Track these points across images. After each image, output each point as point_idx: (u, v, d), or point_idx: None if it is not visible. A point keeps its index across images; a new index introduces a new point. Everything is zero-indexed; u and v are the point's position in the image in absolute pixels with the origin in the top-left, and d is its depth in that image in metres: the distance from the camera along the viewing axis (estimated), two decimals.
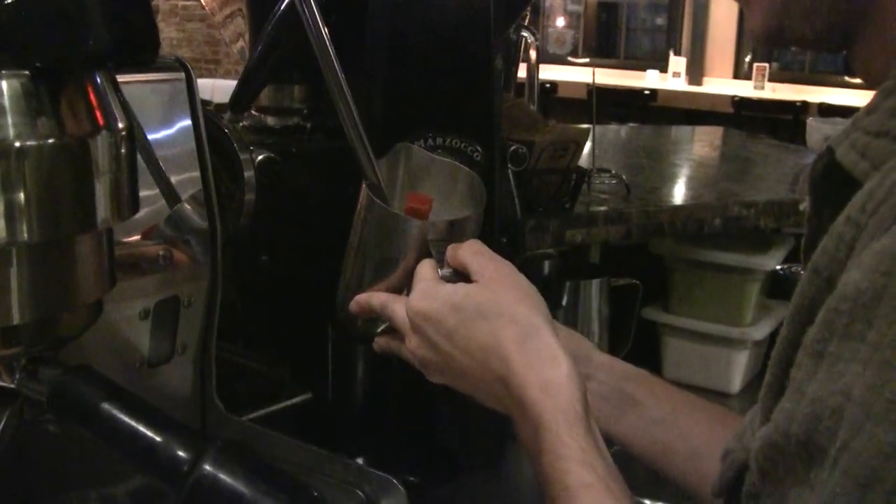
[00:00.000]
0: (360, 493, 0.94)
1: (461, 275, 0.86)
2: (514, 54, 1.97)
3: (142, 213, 0.90)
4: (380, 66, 1.22)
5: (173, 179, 0.96)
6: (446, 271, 0.87)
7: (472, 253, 0.86)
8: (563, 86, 7.49)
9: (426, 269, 0.87)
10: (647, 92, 7.83)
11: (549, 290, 1.87)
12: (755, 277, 1.91)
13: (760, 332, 1.91)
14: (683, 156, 2.81)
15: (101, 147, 0.68)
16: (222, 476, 0.64)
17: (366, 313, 0.93)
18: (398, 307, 0.87)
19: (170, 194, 0.96)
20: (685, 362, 1.98)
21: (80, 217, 0.68)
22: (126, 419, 0.68)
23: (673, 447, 0.94)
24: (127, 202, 0.72)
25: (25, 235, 0.65)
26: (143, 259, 0.91)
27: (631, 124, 4.28)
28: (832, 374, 0.50)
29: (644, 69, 8.59)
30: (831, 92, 7.45)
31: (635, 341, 1.95)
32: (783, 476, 0.54)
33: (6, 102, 0.62)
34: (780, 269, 1.98)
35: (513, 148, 1.44)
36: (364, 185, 0.94)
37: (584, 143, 1.59)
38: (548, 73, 7.63)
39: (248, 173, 1.02)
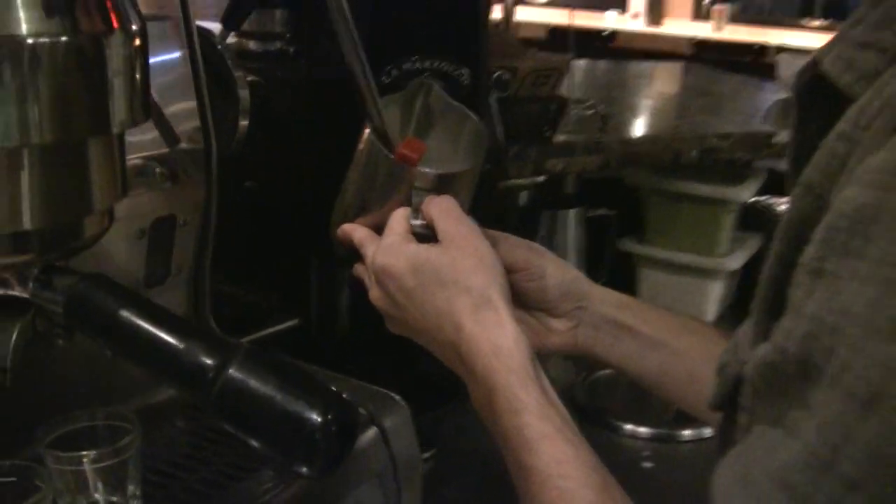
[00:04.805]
0: (363, 410, 0.94)
1: (431, 229, 0.88)
2: None
3: (139, 130, 0.89)
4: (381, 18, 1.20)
5: (169, 110, 0.94)
6: (418, 223, 0.89)
7: (439, 211, 0.87)
8: (523, 27, 7.44)
9: (397, 222, 0.89)
10: (605, 33, 7.80)
11: (526, 220, 1.88)
12: (729, 208, 1.93)
13: (735, 262, 1.93)
14: (654, 89, 2.81)
15: (115, 47, 0.66)
16: (251, 381, 0.63)
17: (347, 243, 0.94)
18: (371, 251, 0.90)
19: (164, 126, 0.94)
20: (660, 292, 1.99)
21: (93, 119, 0.67)
22: (147, 326, 0.67)
23: (669, 370, 0.95)
24: (140, 106, 0.70)
25: (37, 137, 0.64)
26: (140, 176, 0.89)
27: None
28: (831, 291, 0.50)
29: (603, 10, 8.55)
30: (789, 34, 7.47)
31: (611, 272, 1.96)
32: (777, 397, 0.53)
33: None
34: (754, 202, 1.99)
35: (497, 73, 1.43)
36: (367, 123, 0.93)
37: (566, 71, 1.58)
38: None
39: (243, 92, 1.00)
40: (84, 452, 0.79)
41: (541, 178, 1.84)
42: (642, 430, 1.52)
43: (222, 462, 0.86)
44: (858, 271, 0.48)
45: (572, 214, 1.86)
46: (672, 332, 0.96)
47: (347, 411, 0.65)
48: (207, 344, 0.66)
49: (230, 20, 1.11)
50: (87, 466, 0.79)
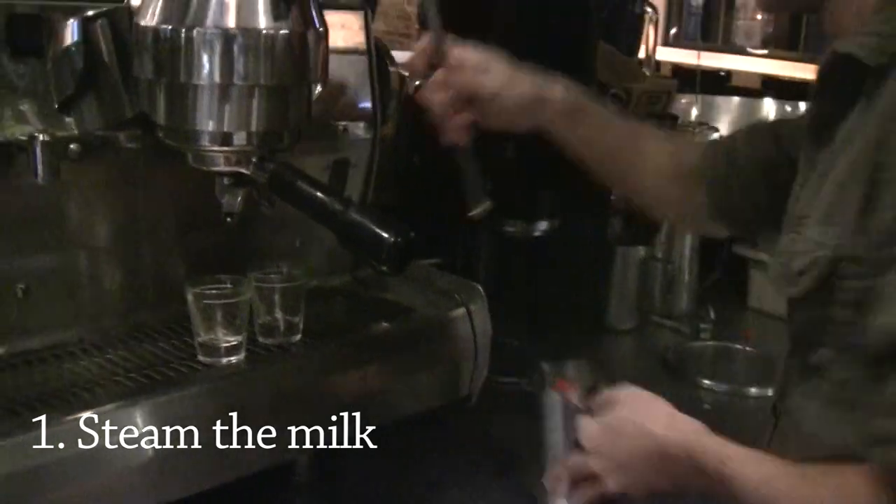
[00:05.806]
0: (456, 296, 1.40)
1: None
2: (638, 25, 2.35)
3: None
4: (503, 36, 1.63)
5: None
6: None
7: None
8: (737, 75, 7.70)
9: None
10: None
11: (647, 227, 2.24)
12: None
13: None
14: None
15: (310, 39, 1.15)
16: (360, 217, 1.11)
17: None
18: None
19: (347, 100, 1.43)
20: (769, 294, 2.25)
21: (296, 75, 1.16)
22: (309, 189, 1.15)
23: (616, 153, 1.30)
24: (322, 73, 1.20)
25: (264, 80, 1.13)
26: (329, 128, 1.39)
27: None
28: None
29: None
30: None
31: (724, 272, 2.31)
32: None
33: (260, 6, 1.11)
34: None
35: (612, 92, 1.84)
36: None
37: (675, 93, 1.97)
38: (725, 62, 7.87)
39: (394, 83, 1.48)
40: (273, 275, 1.32)
41: None
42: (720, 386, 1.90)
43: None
44: None
45: None
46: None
47: (409, 237, 1.11)
48: (339, 199, 1.15)
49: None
50: (276, 286, 1.30)
